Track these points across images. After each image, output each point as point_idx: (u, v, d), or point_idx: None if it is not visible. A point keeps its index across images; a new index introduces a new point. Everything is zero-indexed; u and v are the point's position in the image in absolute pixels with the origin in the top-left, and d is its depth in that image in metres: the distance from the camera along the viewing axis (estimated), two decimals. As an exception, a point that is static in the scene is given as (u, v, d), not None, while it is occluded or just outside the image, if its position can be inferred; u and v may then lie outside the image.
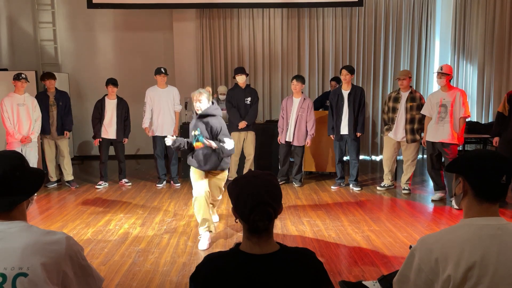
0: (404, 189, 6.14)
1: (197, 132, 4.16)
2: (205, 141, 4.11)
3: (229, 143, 4.22)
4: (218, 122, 4.27)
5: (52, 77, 6.53)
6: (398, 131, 6.02)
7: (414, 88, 8.88)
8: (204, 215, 4.21)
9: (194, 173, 4.34)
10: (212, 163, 4.28)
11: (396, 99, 6.02)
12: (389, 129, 6.13)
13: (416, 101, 5.89)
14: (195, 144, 4.17)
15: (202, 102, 4.27)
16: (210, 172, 4.38)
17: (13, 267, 1.42)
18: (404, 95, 5.96)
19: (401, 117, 5.96)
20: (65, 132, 6.61)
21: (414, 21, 8.77)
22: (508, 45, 7.45)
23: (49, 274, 1.44)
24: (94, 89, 8.58)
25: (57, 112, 6.53)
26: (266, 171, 1.62)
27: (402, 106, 5.95)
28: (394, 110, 6.03)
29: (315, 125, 6.47)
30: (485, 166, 1.56)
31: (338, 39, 8.78)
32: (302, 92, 6.53)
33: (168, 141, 4.26)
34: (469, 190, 1.58)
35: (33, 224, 1.60)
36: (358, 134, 6.23)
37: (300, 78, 6.46)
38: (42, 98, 6.44)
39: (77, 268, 1.53)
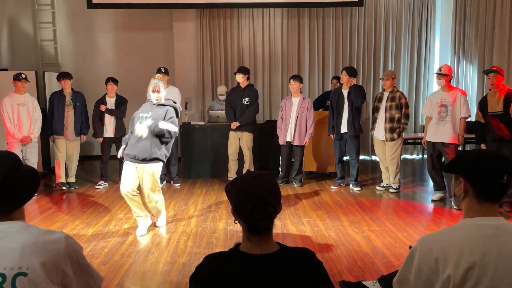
0: (391, 187, 6.16)
1: (146, 114, 4.34)
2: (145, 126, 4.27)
3: (165, 125, 4.31)
4: (168, 112, 4.39)
5: (68, 76, 6.45)
6: (379, 130, 6.13)
7: (414, 89, 8.92)
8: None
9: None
10: (141, 149, 4.30)
11: (380, 99, 6.16)
12: (373, 128, 6.27)
13: (395, 101, 5.96)
14: (139, 123, 4.33)
15: (161, 92, 4.42)
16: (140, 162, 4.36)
17: (13, 267, 1.42)
18: (386, 95, 6.05)
19: (381, 116, 6.07)
20: (82, 136, 6.58)
21: (414, 21, 8.77)
22: (508, 45, 7.45)
23: (49, 273, 1.44)
24: (94, 89, 8.57)
25: (75, 113, 6.47)
26: (265, 170, 1.62)
27: (383, 105, 6.06)
28: (377, 109, 6.17)
29: (314, 124, 6.48)
30: (486, 166, 1.56)
31: (338, 39, 8.78)
32: (301, 92, 6.54)
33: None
34: (470, 190, 1.58)
35: (34, 224, 1.60)
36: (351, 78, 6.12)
37: (297, 78, 6.49)
38: (58, 97, 6.40)
39: (77, 267, 1.53)
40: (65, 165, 6.65)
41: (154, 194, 4.51)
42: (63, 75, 6.46)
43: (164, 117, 4.40)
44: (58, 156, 6.49)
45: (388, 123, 5.99)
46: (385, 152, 6.22)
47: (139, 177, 4.43)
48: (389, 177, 6.33)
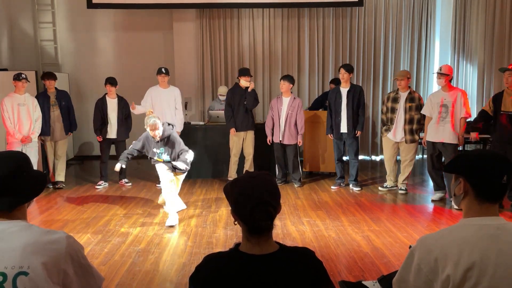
0: (400, 189, 6.13)
1: (159, 151, 5.03)
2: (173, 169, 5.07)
3: (189, 155, 5.06)
4: (174, 139, 5.04)
5: (52, 77, 6.46)
6: (397, 132, 6.00)
7: (414, 88, 8.92)
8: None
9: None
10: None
11: (395, 100, 6.00)
12: (387, 130, 6.10)
13: (415, 102, 5.89)
14: (157, 158, 5.06)
15: (159, 128, 4.89)
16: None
17: (14, 266, 1.42)
18: (403, 96, 5.94)
19: (400, 118, 5.94)
20: (69, 132, 6.61)
21: (414, 21, 8.77)
22: (508, 45, 7.46)
23: (50, 273, 1.44)
24: (94, 89, 8.57)
25: (61, 112, 6.48)
26: (263, 171, 1.63)
27: (401, 107, 5.93)
28: (393, 110, 6.00)
29: (304, 124, 6.50)
30: (486, 166, 1.56)
31: (338, 39, 8.78)
32: (291, 92, 6.56)
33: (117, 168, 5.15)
34: (470, 191, 1.58)
35: (34, 224, 1.60)
36: (358, 132, 6.21)
37: (287, 78, 6.50)
38: (42, 98, 6.39)
39: (78, 267, 1.54)
40: (54, 164, 6.69)
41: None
42: (48, 76, 6.44)
43: (175, 146, 5.03)
44: (49, 157, 6.57)
45: (408, 124, 5.90)
46: (395, 154, 6.16)
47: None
48: (392, 178, 6.28)
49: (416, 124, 5.90)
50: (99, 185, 6.66)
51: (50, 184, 6.65)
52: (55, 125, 6.47)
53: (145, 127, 4.92)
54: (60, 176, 6.66)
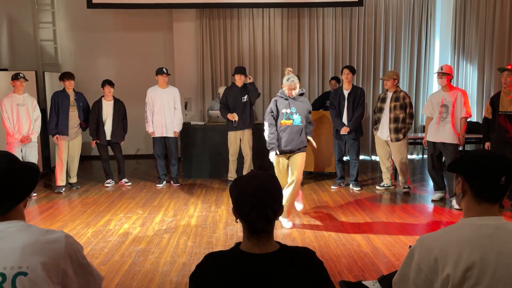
0: (404, 187, 6.15)
1: (292, 111, 4.61)
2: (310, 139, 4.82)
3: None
4: (308, 102, 4.83)
5: (73, 77, 6.46)
6: (383, 130, 6.10)
7: (414, 89, 8.93)
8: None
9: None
10: (300, 142, 4.68)
11: (384, 100, 6.13)
12: (376, 129, 6.24)
13: (399, 101, 5.94)
14: (283, 121, 4.61)
15: (297, 87, 4.64)
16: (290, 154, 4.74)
17: (13, 267, 1.42)
18: (389, 95, 6.04)
19: (385, 117, 6.04)
20: (82, 123, 6.57)
21: (414, 21, 8.77)
22: (508, 45, 7.44)
23: (49, 273, 1.43)
24: (94, 89, 8.56)
25: (79, 112, 6.49)
26: (267, 171, 1.62)
27: (387, 106, 6.04)
28: (381, 110, 6.14)
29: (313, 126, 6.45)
30: (485, 166, 1.55)
31: (338, 39, 8.78)
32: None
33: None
34: (469, 190, 1.58)
35: (34, 224, 1.60)
36: (345, 129, 6.17)
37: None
38: (62, 97, 6.37)
39: (77, 266, 1.53)
40: (67, 165, 6.65)
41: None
42: (68, 76, 6.43)
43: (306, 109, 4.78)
44: (60, 157, 6.45)
45: (393, 123, 5.96)
46: (387, 152, 6.21)
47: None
48: (388, 176, 6.32)
49: (401, 123, 5.94)
50: (108, 183, 6.73)
51: (61, 189, 6.44)
52: (72, 125, 6.44)
53: (284, 86, 4.65)
54: (74, 178, 6.66)
